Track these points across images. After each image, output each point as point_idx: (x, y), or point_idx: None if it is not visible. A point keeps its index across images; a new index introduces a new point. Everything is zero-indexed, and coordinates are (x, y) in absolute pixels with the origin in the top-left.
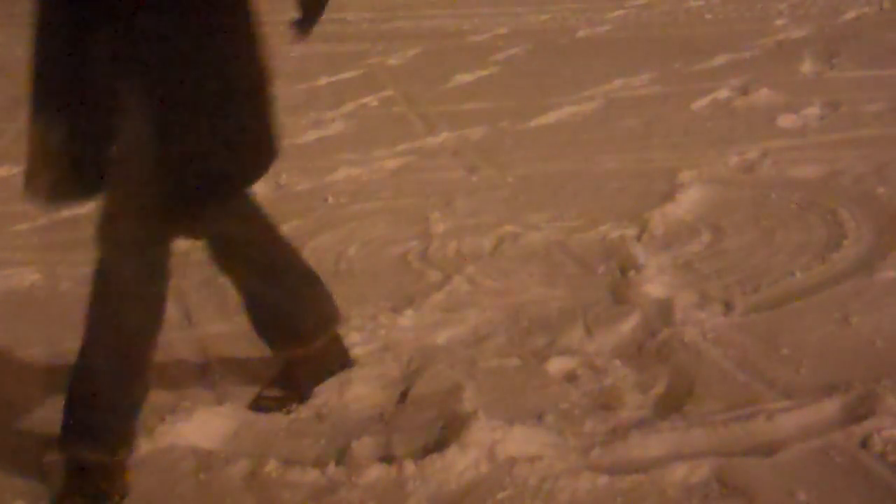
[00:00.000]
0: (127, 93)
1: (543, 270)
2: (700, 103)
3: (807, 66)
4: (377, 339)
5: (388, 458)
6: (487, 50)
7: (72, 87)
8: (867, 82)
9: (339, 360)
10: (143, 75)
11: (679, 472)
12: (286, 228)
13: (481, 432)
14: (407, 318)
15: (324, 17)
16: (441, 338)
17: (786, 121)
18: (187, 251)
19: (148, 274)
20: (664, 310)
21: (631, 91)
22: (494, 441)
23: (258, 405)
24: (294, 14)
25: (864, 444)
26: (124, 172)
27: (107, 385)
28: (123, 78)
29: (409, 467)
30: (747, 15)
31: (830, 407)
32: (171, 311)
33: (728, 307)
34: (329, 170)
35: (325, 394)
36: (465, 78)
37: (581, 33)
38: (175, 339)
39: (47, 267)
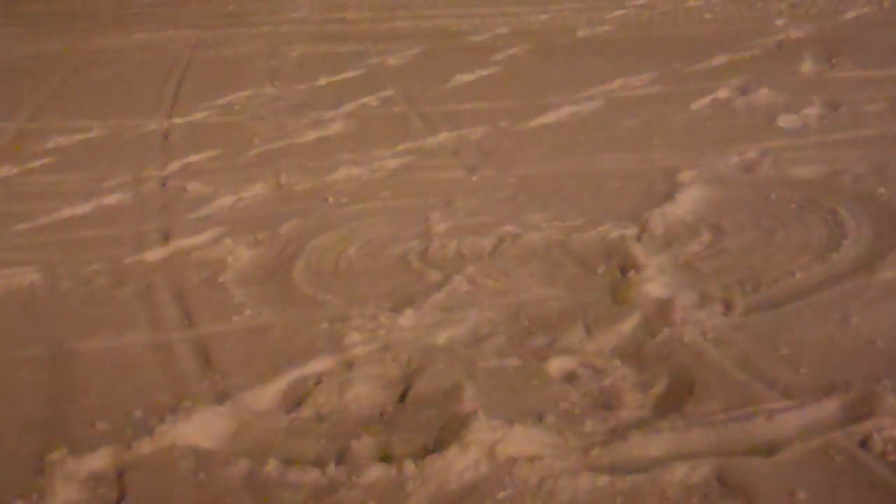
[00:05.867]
0: None
1: (543, 270)
2: (700, 103)
3: (807, 66)
4: (377, 339)
5: (388, 458)
6: (487, 50)
7: None
8: (867, 82)
9: None
10: None
11: (679, 472)
12: (286, 228)
13: (481, 432)
14: (407, 318)
15: (324, 17)
16: (441, 338)
17: (786, 121)
18: (187, 250)
19: None
20: (664, 310)
21: (631, 91)
22: (494, 441)
23: None
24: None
25: (864, 444)
26: None
27: None
28: None
29: (409, 467)
30: (747, 15)
31: (830, 407)
32: (171, 311)
33: (728, 307)
34: (329, 170)
35: (325, 394)
36: (465, 78)
37: (581, 33)
38: (175, 339)
39: (47, 267)
